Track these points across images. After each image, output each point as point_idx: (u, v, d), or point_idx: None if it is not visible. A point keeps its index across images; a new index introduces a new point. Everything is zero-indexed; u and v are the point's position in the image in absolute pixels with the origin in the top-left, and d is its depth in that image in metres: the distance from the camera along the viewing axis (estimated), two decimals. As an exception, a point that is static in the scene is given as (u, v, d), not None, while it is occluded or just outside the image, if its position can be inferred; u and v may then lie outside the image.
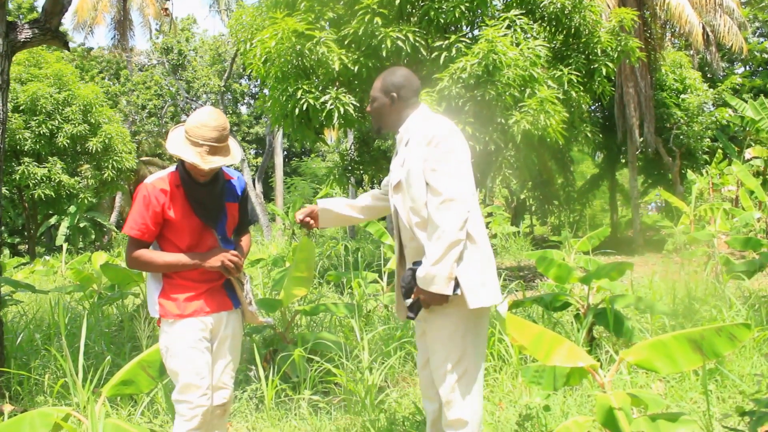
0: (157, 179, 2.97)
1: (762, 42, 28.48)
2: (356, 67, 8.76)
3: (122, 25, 30.57)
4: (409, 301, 2.84)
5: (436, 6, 8.74)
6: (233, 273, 3.02)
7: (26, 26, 5.00)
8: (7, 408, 4.07)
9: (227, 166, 3.14)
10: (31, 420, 3.08)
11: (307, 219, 3.30)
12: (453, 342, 2.83)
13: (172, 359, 2.94)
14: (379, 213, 3.39)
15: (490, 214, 18.87)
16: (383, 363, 4.70)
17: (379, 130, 3.11)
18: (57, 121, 19.33)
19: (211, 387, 3.00)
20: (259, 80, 12.51)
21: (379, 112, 3.02)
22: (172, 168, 3.03)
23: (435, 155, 2.76)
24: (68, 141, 19.46)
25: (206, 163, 2.86)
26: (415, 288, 2.80)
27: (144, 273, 3.09)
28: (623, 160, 20.14)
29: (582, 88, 9.65)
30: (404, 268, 3.03)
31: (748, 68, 29.05)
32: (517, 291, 7.63)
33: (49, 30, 5.06)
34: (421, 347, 3.11)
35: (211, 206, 3.03)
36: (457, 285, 2.73)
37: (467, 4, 8.77)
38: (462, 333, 2.83)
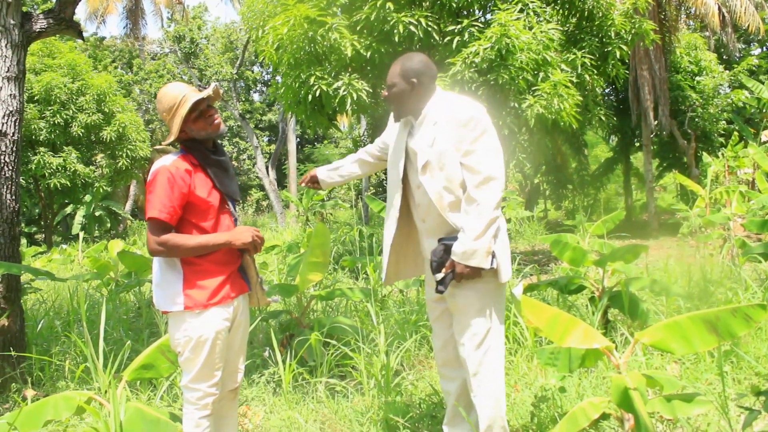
0: (176, 160, 2.87)
1: (779, 22, 28.10)
2: (369, 53, 8.75)
3: (134, 14, 30.57)
4: (440, 275, 2.90)
5: (448, -10, 8.71)
6: (259, 249, 3.00)
7: (41, 16, 5.04)
8: (30, 393, 4.14)
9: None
10: (54, 403, 3.13)
11: (310, 184, 3.55)
12: (481, 316, 2.94)
13: (196, 349, 2.85)
14: (374, 169, 3.59)
15: (504, 199, 18.80)
16: (399, 346, 4.74)
17: (398, 117, 3.12)
18: (71, 111, 19.41)
19: (221, 377, 3.00)
20: (271, 67, 12.51)
21: (399, 98, 3.04)
22: (178, 153, 2.96)
23: (472, 136, 2.85)
24: (83, 130, 19.55)
25: (210, 88, 2.96)
26: (448, 262, 2.87)
27: (158, 263, 2.95)
28: (638, 144, 20.00)
29: (596, 72, 9.59)
30: (406, 240, 3.20)
31: (765, 49, 28.66)
32: (531, 275, 7.64)
33: (63, 20, 5.10)
34: (438, 329, 3.18)
35: (228, 176, 3.01)
36: (493, 258, 2.85)
37: (479, -12, 8.74)
38: (489, 307, 2.95)
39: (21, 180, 5.30)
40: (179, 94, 2.89)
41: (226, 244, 2.90)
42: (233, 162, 35.10)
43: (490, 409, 2.95)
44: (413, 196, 3.09)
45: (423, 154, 2.95)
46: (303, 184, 3.58)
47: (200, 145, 2.96)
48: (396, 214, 3.13)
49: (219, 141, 3.09)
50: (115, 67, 31.85)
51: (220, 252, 2.92)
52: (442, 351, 3.18)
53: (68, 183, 19.58)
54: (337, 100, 8.82)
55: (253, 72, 37.58)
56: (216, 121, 2.94)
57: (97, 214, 24.39)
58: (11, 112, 4.83)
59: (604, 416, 3.14)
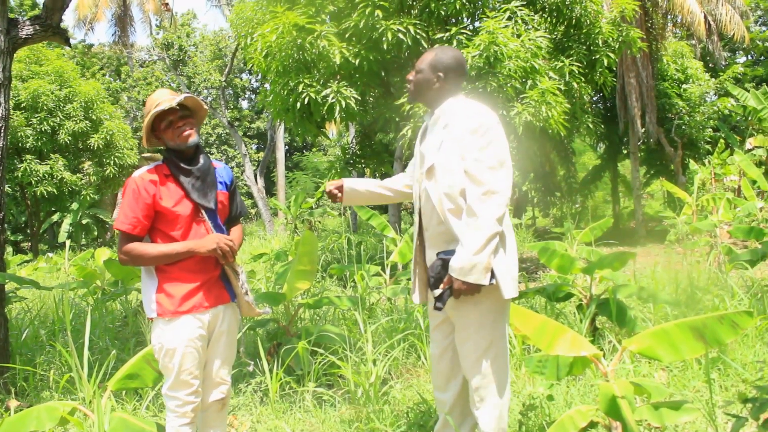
0: (145, 172, 2.95)
1: (764, 31, 28.40)
2: (357, 61, 8.75)
3: (122, 21, 30.52)
4: (438, 291, 2.80)
5: (437, -2, 8.73)
6: (228, 257, 2.98)
7: (27, 23, 5.00)
8: (14, 404, 4.09)
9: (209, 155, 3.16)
10: (38, 414, 3.10)
11: (335, 191, 3.25)
12: (483, 330, 2.87)
13: (167, 357, 2.89)
14: (408, 197, 3.33)
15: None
16: (387, 355, 4.72)
17: (413, 101, 3.09)
18: (58, 118, 19.32)
19: (201, 385, 2.99)
20: (260, 75, 12.51)
21: (421, 86, 2.98)
22: (158, 162, 3.02)
23: (479, 145, 2.74)
24: (70, 138, 19.46)
25: (175, 99, 2.92)
26: (446, 277, 2.78)
27: (142, 270, 2.99)
28: (625, 151, 20.11)
29: (583, 79, 9.64)
30: (423, 253, 3.04)
31: (750, 57, 28.96)
32: (519, 282, 7.64)
33: (50, 26, 5.06)
34: (437, 338, 3.12)
35: (202, 186, 3.00)
36: (492, 276, 2.75)
37: (468, -4, 8.76)
38: (491, 321, 2.88)
39: (7, 188, 5.26)
40: (155, 101, 2.95)
41: (189, 253, 2.91)
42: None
43: (492, 424, 2.90)
44: (420, 201, 3.00)
45: (429, 158, 2.88)
46: (327, 191, 3.29)
47: (174, 154, 2.98)
48: (417, 222, 3.03)
49: (204, 150, 3.07)
50: (103, 75, 31.77)
51: (192, 260, 2.94)
52: (440, 360, 3.11)
53: (55, 191, 19.47)
54: (325, 108, 8.81)
55: (241, 79, 37.54)
56: (185, 133, 2.94)
57: (84, 222, 24.25)
58: (-4, 119, 4.78)
59: (592, 424, 3.14)
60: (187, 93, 3.05)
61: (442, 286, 2.80)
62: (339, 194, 3.27)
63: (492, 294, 2.82)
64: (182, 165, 2.96)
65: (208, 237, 2.95)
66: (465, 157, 2.76)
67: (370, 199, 3.37)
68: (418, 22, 8.73)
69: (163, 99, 2.93)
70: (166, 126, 2.94)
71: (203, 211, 3.00)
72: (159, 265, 2.92)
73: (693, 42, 20.38)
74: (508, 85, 8.33)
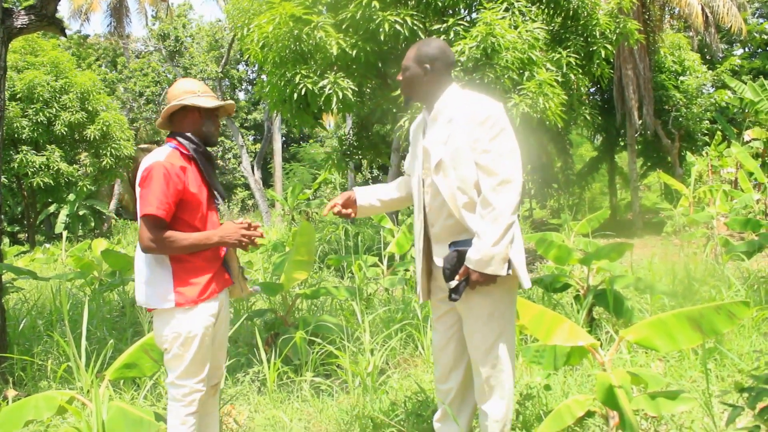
0: (170, 157, 2.86)
1: (761, 23, 28.38)
2: (354, 52, 8.71)
3: (118, 11, 30.37)
4: (454, 283, 2.78)
5: (434, -11, 8.69)
6: (254, 244, 2.98)
7: (22, 12, 4.98)
8: (11, 393, 4.09)
9: None
10: (35, 403, 3.10)
11: (346, 211, 3.15)
12: (493, 321, 2.86)
13: (184, 346, 2.84)
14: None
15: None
16: (384, 345, 4.73)
17: (408, 101, 3.07)
18: (54, 109, 19.22)
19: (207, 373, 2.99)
20: (256, 66, 12.47)
21: (411, 82, 2.95)
22: (168, 147, 2.95)
23: (489, 135, 2.74)
24: (66, 129, 19.37)
25: (234, 105, 3.13)
26: (462, 269, 2.77)
27: (145, 260, 2.92)
28: (622, 143, 20.08)
29: (581, 71, 9.61)
30: (427, 248, 3.00)
31: (747, 49, 28.95)
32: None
33: (45, 16, 5.04)
34: (440, 329, 3.11)
35: (215, 176, 3.04)
36: (509, 266, 2.76)
37: (465, -13, 8.73)
38: (501, 311, 2.88)
39: (3, 179, 5.26)
40: (205, 89, 3.03)
41: (218, 244, 2.91)
42: (218, 161, 34.92)
43: (501, 414, 2.91)
44: (424, 198, 2.97)
45: (436, 153, 2.83)
46: (334, 212, 3.12)
47: (192, 136, 2.98)
48: (421, 222, 2.98)
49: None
50: (99, 66, 31.62)
51: (210, 249, 2.93)
52: (443, 351, 3.10)
53: (51, 182, 19.41)
54: (322, 99, 8.77)
55: (238, 70, 37.38)
56: (218, 130, 3.05)
57: (80, 213, 24.18)
58: (-8, 109, 4.77)
59: (589, 414, 3.15)
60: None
61: (457, 277, 2.78)
62: (351, 212, 3.17)
63: (502, 284, 2.81)
64: (208, 155, 2.99)
65: (227, 228, 2.94)
66: (475, 149, 2.74)
67: (382, 209, 3.31)
68: (415, 13, 8.68)
69: (215, 96, 3.03)
70: (210, 116, 3.01)
71: (216, 197, 3.04)
72: (179, 254, 2.87)
73: (690, 34, 20.37)
74: (506, 76, 8.29)
